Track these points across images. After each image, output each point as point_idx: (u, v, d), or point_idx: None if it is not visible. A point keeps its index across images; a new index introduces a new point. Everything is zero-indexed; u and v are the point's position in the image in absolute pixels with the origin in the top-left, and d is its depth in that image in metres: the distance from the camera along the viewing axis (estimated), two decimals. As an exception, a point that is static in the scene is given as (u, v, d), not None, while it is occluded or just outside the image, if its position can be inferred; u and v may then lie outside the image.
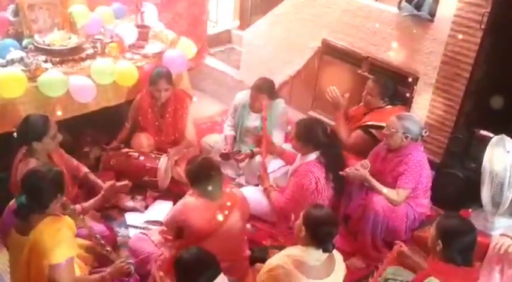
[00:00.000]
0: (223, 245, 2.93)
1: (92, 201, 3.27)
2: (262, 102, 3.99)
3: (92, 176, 3.56)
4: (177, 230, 3.05)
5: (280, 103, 4.13)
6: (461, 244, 2.42)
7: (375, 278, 2.93)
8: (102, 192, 3.31)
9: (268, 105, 4.00)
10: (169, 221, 3.10)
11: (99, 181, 3.51)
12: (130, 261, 2.97)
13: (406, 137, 3.33)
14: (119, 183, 3.45)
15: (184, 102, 4.10)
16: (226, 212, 2.97)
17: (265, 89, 4.04)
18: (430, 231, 2.55)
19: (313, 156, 3.45)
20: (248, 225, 3.51)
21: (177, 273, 2.46)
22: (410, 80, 4.19)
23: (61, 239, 2.46)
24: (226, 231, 2.96)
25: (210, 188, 2.94)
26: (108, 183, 3.38)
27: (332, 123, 4.23)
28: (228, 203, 3.01)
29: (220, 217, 2.94)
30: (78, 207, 3.12)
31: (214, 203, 2.96)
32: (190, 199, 3.03)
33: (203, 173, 2.96)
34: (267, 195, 3.67)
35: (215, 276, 2.40)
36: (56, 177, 2.56)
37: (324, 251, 2.47)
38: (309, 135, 3.43)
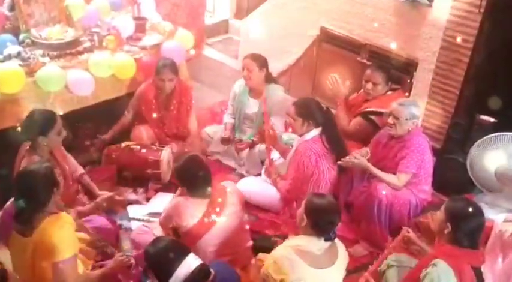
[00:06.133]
0: (222, 240, 2.94)
1: (86, 208, 3.22)
2: (250, 69, 3.95)
3: (87, 178, 3.50)
4: (173, 230, 3.03)
5: (278, 89, 4.10)
6: (470, 227, 2.44)
7: (377, 263, 2.94)
8: (97, 200, 3.24)
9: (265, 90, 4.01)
10: (163, 223, 3.08)
11: (92, 185, 3.47)
12: (129, 254, 2.97)
13: (413, 123, 3.33)
14: (117, 197, 3.41)
15: (189, 95, 4.09)
16: (218, 209, 2.95)
17: (256, 58, 3.99)
18: (438, 215, 2.55)
19: (313, 132, 3.46)
20: (246, 216, 3.49)
21: (150, 267, 2.44)
22: (409, 66, 4.17)
23: (64, 236, 2.45)
24: (222, 227, 2.94)
25: (198, 186, 2.93)
26: (106, 194, 3.32)
27: (332, 111, 4.22)
28: (219, 199, 2.98)
29: (213, 216, 2.92)
30: (73, 211, 3.07)
31: (204, 201, 2.94)
32: (179, 200, 3.00)
33: (190, 172, 2.93)
34: (276, 186, 3.66)
35: (183, 255, 2.39)
36: (47, 173, 2.54)
37: (326, 240, 2.47)
38: (308, 111, 3.44)
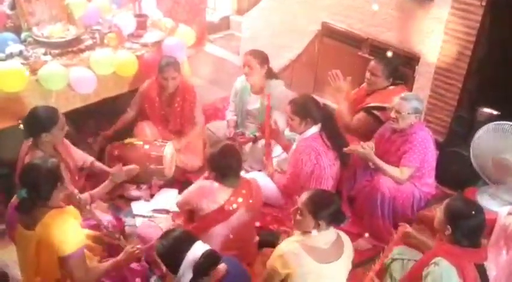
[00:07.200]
0: (234, 232, 2.96)
1: (99, 187, 3.21)
2: (251, 66, 3.94)
3: (98, 164, 3.54)
4: (189, 213, 3.06)
5: (279, 84, 4.09)
6: (470, 228, 2.44)
7: (381, 260, 2.94)
8: (110, 176, 3.22)
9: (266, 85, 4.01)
10: (182, 203, 3.11)
11: (105, 167, 3.50)
12: (139, 246, 2.99)
13: (416, 117, 3.33)
14: (126, 167, 3.32)
15: (192, 92, 4.09)
16: (240, 200, 2.98)
17: (257, 55, 3.99)
18: (438, 215, 2.55)
19: (313, 130, 3.45)
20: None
21: (162, 258, 2.44)
22: (411, 60, 4.16)
23: (68, 230, 2.47)
24: (237, 218, 2.97)
25: (228, 175, 2.97)
26: (116, 167, 3.30)
27: (334, 106, 4.22)
28: (243, 191, 3.02)
29: (234, 205, 2.96)
30: (86, 195, 3.11)
31: (229, 190, 2.98)
32: (206, 182, 3.04)
33: (224, 160, 2.97)
34: (272, 180, 3.68)
35: (192, 244, 2.40)
36: (52, 167, 2.55)
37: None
38: (304, 109, 3.42)
